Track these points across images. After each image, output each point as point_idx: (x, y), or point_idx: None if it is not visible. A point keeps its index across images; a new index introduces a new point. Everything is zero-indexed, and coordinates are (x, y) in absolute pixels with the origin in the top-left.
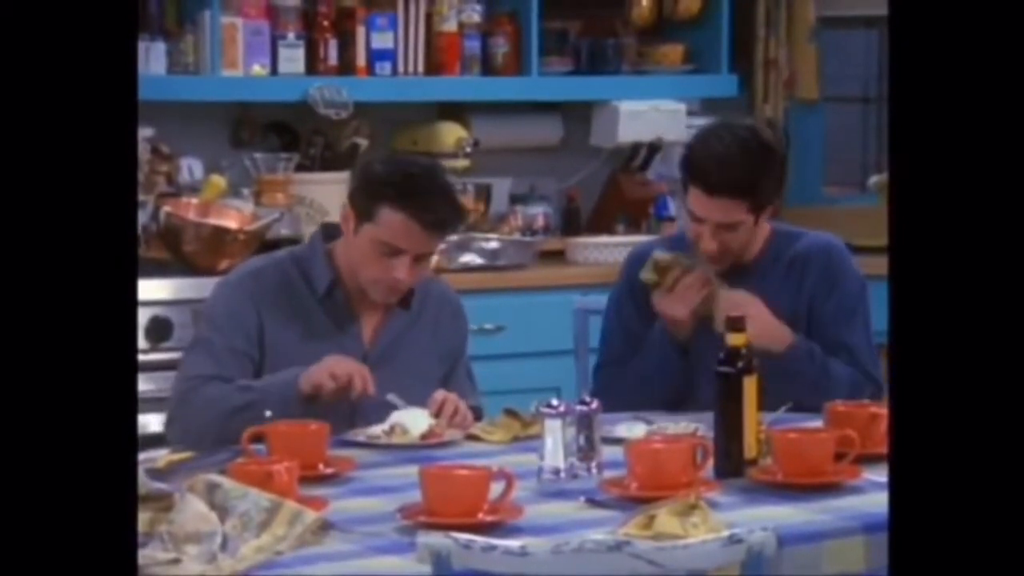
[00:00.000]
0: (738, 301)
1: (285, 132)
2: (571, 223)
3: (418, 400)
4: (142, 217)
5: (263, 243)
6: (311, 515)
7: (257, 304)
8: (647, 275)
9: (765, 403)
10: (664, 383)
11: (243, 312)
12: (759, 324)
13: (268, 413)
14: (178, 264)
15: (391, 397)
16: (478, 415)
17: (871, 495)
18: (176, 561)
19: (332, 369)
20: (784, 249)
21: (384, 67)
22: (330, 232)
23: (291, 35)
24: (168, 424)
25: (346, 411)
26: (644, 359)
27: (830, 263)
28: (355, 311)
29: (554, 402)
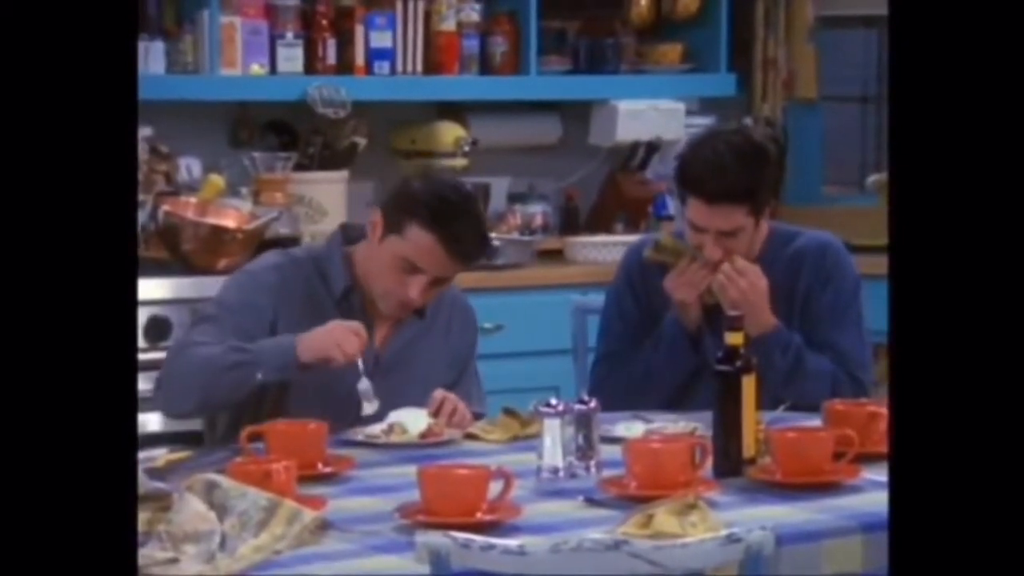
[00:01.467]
0: (743, 268)
1: (284, 131)
2: (570, 222)
3: (424, 402)
4: (140, 216)
5: (262, 242)
6: (310, 514)
7: (275, 299)
8: (651, 253)
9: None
10: (671, 377)
11: (259, 304)
12: (748, 302)
13: (259, 375)
14: (176, 263)
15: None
16: (479, 420)
17: (870, 494)
18: (174, 560)
19: (342, 345)
20: (782, 248)
21: (383, 66)
22: (348, 234)
23: (290, 34)
24: (156, 389)
25: (345, 407)
26: (655, 350)
27: (824, 261)
28: (370, 316)
29: (553, 401)
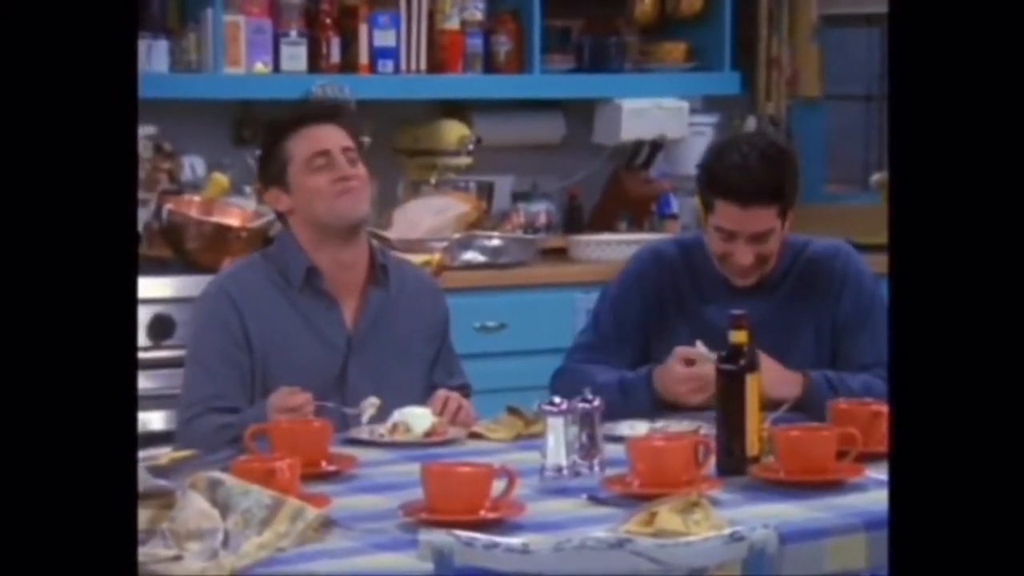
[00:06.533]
0: None
1: None
2: (573, 221)
3: (405, 378)
4: (145, 215)
5: (265, 240)
6: (313, 512)
7: (238, 307)
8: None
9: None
10: (627, 414)
11: (226, 318)
12: (771, 375)
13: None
14: (180, 262)
15: (347, 410)
16: (467, 392)
17: (873, 493)
18: (178, 558)
19: (290, 412)
20: (793, 259)
21: (386, 65)
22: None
23: (293, 33)
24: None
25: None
26: (624, 396)
27: (834, 271)
28: (334, 297)
29: (556, 400)
